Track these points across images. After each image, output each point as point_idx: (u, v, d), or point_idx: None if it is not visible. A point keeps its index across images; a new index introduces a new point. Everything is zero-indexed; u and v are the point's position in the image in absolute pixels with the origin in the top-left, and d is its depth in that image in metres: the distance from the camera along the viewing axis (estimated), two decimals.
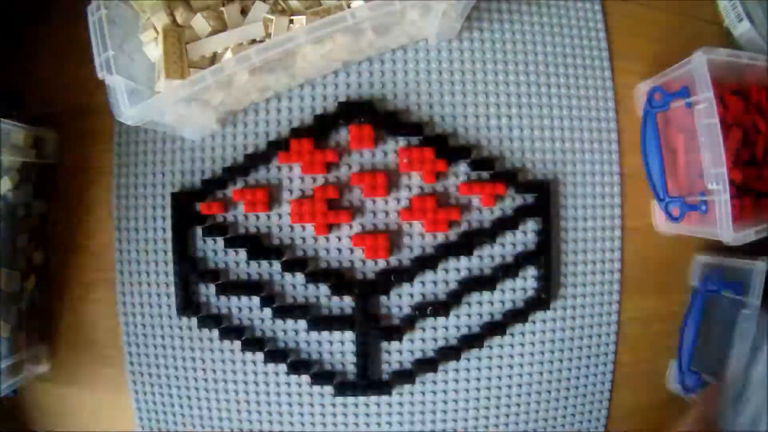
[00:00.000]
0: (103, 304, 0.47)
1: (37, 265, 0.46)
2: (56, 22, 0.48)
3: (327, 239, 0.45)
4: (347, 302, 0.45)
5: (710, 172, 0.39)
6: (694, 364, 0.46)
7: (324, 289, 0.45)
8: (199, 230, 0.46)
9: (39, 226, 0.46)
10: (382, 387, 0.45)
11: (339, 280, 0.45)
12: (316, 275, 0.45)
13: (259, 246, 0.45)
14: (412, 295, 0.45)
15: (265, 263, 0.45)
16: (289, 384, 0.45)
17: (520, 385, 0.47)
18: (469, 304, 0.46)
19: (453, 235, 0.45)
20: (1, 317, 0.41)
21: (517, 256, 0.46)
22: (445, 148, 0.45)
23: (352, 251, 0.45)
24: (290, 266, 0.45)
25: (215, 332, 0.45)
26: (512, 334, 0.46)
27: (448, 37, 0.46)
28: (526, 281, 0.46)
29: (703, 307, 0.46)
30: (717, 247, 0.48)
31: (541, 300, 0.46)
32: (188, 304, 0.45)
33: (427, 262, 0.45)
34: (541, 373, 0.47)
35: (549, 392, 0.47)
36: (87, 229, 0.47)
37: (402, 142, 0.45)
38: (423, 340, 0.46)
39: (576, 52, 0.48)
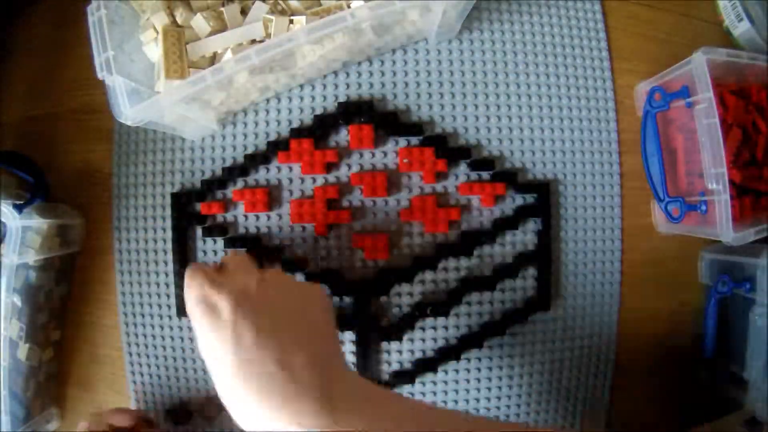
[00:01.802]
0: (102, 305, 0.47)
1: (55, 341, 0.47)
2: (54, 20, 0.48)
3: (327, 239, 0.45)
4: (347, 302, 0.45)
5: (710, 172, 0.39)
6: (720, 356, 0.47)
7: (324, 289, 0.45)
8: (199, 230, 0.46)
9: (59, 307, 0.47)
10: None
11: (339, 280, 0.45)
12: (316, 275, 0.45)
13: (259, 246, 0.45)
14: (411, 295, 0.45)
15: (265, 263, 0.45)
16: None
17: (520, 386, 0.47)
18: (468, 304, 0.46)
19: (453, 235, 0.45)
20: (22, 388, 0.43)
21: (517, 256, 0.46)
22: (445, 148, 0.45)
23: (352, 251, 0.45)
24: (290, 266, 0.45)
25: None
26: (512, 334, 0.46)
27: (448, 37, 0.46)
28: (526, 281, 0.46)
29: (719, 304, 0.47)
30: (717, 248, 0.48)
31: (541, 300, 0.46)
32: None
33: (427, 262, 0.45)
34: (541, 374, 0.47)
35: (549, 392, 0.47)
36: (87, 232, 0.48)
37: (402, 142, 0.45)
38: (423, 340, 0.46)
39: (576, 52, 0.47)
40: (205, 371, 0.46)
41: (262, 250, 0.45)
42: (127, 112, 0.35)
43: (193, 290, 0.31)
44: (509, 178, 0.45)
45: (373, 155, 0.45)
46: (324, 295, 0.35)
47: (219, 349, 0.29)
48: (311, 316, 0.33)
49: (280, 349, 0.29)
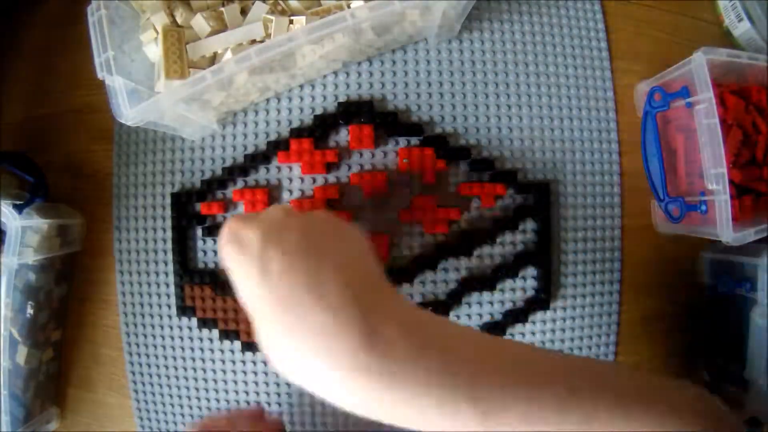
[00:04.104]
0: (102, 305, 0.47)
1: (55, 341, 0.47)
2: (54, 20, 0.48)
3: None
4: None
5: (710, 172, 0.39)
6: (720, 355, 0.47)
7: None
8: (199, 230, 0.46)
9: (59, 307, 0.47)
10: None
11: None
12: None
13: None
14: (411, 295, 0.45)
15: None
16: (289, 385, 0.45)
17: None
18: (469, 304, 0.46)
19: (453, 235, 0.45)
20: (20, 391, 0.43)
21: (517, 256, 0.46)
22: (445, 148, 0.45)
23: None
24: None
25: (215, 332, 0.45)
26: (512, 334, 0.46)
27: (448, 37, 0.46)
28: (526, 281, 0.46)
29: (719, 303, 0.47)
30: (717, 248, 0.48)
31: (541, 300, 0.46)
32: (188, 304, 0.45)
33: (427, 262, 0.45)
34: None
35: None
36: (87, 232, 0.48)
37: (402, 142, 0.45)
38: None
39: (576, 52, 0.47)
40: (205, 370, 0.46)
41: None
42: (127, 112, 0.35)
43: (224, 230, 0.28)
44: (509, 178, 0.45)
45: (373, 155, 0.45)
46: (365, 237, 0.31)
47: (249, 285, 0.26)
48: (349, 244, 0.29)
49: (308, 272, 0.25)
